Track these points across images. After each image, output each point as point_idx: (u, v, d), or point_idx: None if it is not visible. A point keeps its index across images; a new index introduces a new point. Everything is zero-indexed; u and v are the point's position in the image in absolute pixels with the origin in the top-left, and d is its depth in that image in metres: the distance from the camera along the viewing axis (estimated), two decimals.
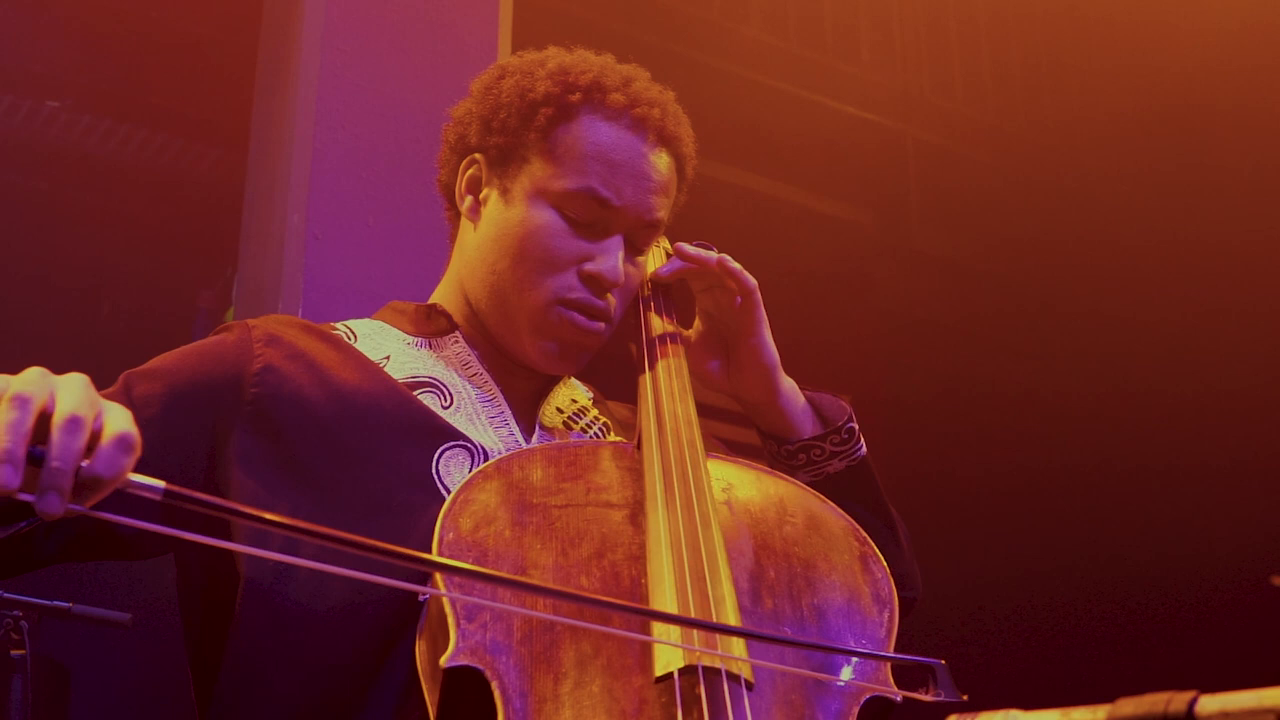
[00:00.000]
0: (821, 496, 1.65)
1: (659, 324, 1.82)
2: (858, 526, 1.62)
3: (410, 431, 1.69)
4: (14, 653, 2.63)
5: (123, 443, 1.17)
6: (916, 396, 5.26)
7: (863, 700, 1.39)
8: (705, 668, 1.31)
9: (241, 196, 3.43)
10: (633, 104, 1.77)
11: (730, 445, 1.86)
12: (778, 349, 1.84)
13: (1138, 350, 5.35)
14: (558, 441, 1.76)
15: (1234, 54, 4.55)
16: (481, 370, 1.80)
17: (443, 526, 1.44)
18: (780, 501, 1.60)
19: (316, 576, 1.55)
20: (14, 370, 1.21)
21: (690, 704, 1.28)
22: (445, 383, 1.77)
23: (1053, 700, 0.98)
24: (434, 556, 1.37)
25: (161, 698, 3.95)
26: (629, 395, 1.79)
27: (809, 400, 1.87)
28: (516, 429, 1.77)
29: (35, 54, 4.33)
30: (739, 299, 1.81)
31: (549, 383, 1.86)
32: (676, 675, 1.30)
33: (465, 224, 1.86)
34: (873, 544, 1.59)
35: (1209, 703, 0.86)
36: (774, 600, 1.47)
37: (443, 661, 1.32)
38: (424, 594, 1.39)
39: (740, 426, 2.02)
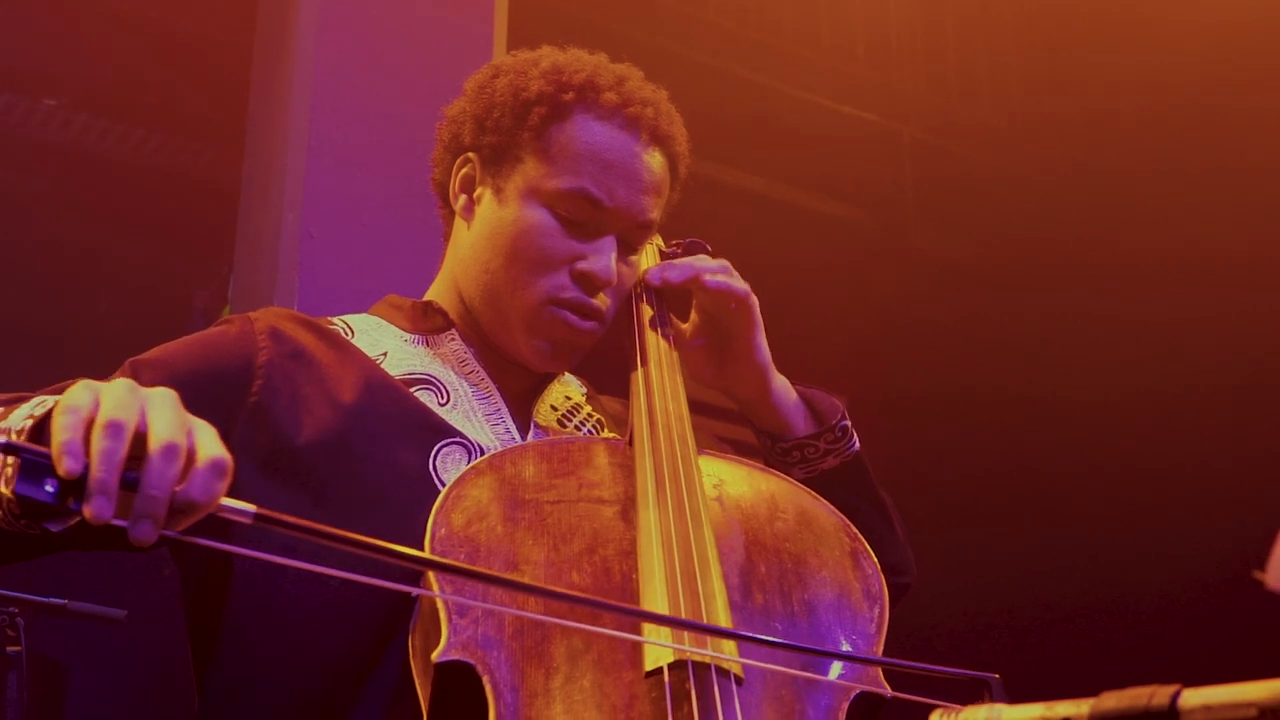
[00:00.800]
0: (813, 493, 1.66)
1: (652, 320, 1.82)
2: (849, 523, 1.62)
3: (407, 429, 1.69)
4: (9, 649, 2.64)
5: (217, 468, 1.17)
6: (911, 394, 5.26)
7: (853, 695, 1.40)
8: (695, 663, 1.31)
9: (237, 195, 3.44)
10: (626, 103, 1.77)
11: (727, 444, 1.87)
12: (773, 347, 1.84)
13: (1132, 349, 5.35)
14: (550, 437, 1.77)
15: (1232, 51, 4.55)
16: (478, 368, 1.81)
17: (435, 522, 1.45)
18: (771, 497, 1.61)
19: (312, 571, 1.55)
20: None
21: (680, 699, 1.29)
22: (442, 380, 1.78)
23: (1037, 695, 0.99)
24: (428, 555, 1.37)
25: (157, 693, 3.96)
26: (622, 390, 1.80)
27: (802, 397, 1.88)
28: (513, 426, 1.78)
29: (31, 52, 4.33)
30: (733, 304, 1.82)
31: (543, 380, 1.86)
32: (666, 670, 1.31)
33: (459, 223, 1.86)
34: (864, 540, 1.60)
35: (1192, 697, 0.87)
36: (764, 595, 1.47)
37: (434, 656, 1.32)
38: (414, 593, 1.39)
39: (737, 425, 2.03)
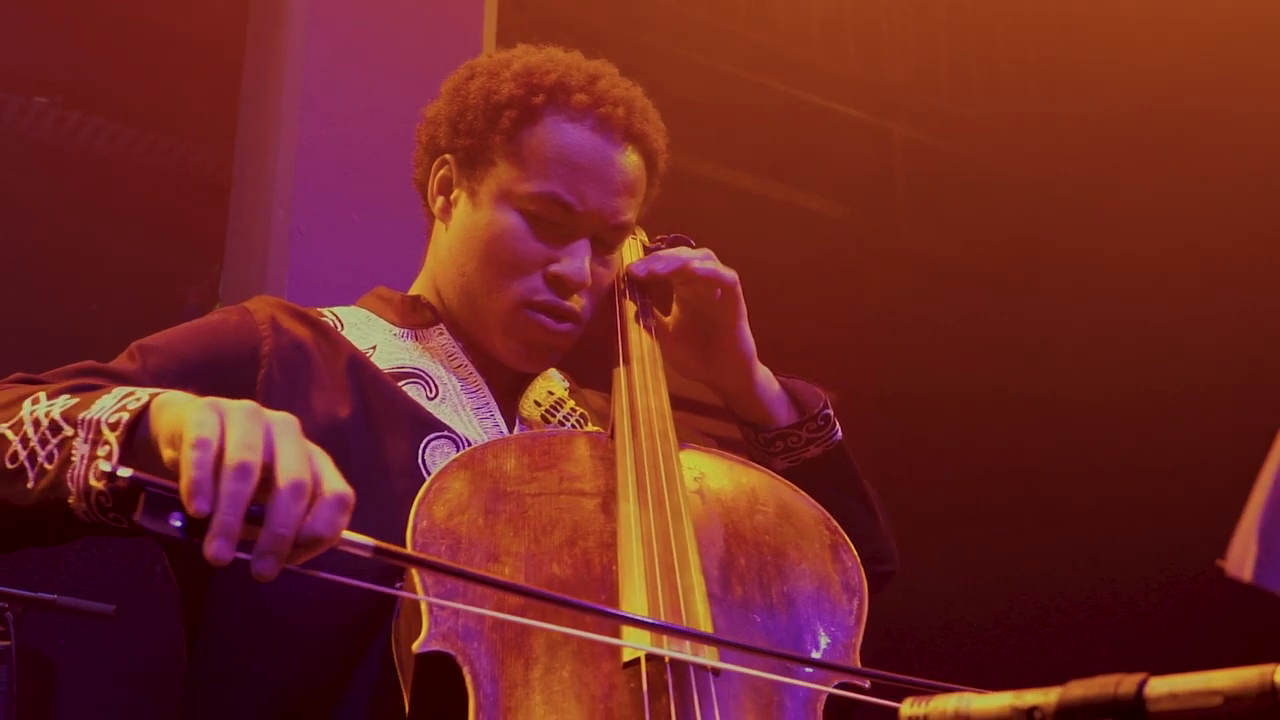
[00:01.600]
0: (794, 486, 1.67)
1: (634, 315, 1.83)
2: (829, 516, 1.63)
3: (397, 422, 1.70)
4: None
5: (342, 502, 1.18)
6: (902, 392, 5.26)
7: (831, 685, 1.41)
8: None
9: (228, 193, 3.44)
10: (597, 104, 1.77)
11: (710, 439, 1.88)
12: (763, 344, 1.85)
13: (1124, 348, 5.35)
14: (532, 431, 1.78)
15: (1224, 52, 4.55)
16: (466, 362, 1.82)
17: (417, 514, 1.46)
18: (752, 491, 1.62)
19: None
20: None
21: (658, 690, 1.30)
22: (430, 374, 1.79)
23: (1006, 684, 0.99)
24: (410, 551, 1.39)
25: (147, 689, 3.96)
26: (605, 384, 1.81)
27: (785, 388, 1.89)
28: (501, 420, 1.79)
29: (23, 49, 4.33)
30: (719, 291, 1.82)
31: (527, 375, 1.87)
32: (643, 661, 1.32)
33: (438, 224, 1.87)
34: (844, 533, 1.61)
35: (1158, 685, 0.87)
36: (744, 588, 1.48)
37: (415, 647, 1.33)
38: (394, 592, 1.40)
39: (721, 420, 2.04)
